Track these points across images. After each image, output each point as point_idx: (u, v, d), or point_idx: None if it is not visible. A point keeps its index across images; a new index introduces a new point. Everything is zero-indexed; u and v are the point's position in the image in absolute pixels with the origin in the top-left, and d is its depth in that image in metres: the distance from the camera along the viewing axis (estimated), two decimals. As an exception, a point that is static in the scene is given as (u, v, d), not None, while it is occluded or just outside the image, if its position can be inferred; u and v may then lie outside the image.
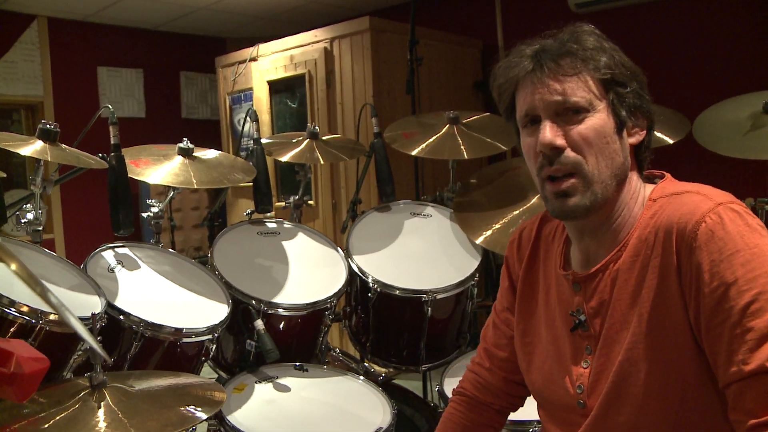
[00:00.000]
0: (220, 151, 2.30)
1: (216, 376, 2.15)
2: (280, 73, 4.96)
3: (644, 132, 1.11)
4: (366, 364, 2.46)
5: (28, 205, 2.01)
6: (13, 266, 0.83)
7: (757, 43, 3.60)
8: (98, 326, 1.57)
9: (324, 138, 2.53)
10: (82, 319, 1.48)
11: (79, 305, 1.58)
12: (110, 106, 1.96)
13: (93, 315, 1.29)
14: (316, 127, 2.50)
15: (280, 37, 4.91)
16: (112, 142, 1.94)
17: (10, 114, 5.74)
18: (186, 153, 2.15)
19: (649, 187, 1.14)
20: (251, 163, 2.29)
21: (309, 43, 4.76)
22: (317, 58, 4.68)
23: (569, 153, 1.07)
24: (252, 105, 5.21)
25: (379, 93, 4.35)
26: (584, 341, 1.15)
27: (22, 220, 1.98)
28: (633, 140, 1.11)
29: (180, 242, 5.73)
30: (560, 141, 1.07)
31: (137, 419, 1.21)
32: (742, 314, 0.94)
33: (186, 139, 2.17)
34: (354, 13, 4.77)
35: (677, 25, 3.93)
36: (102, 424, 1.17)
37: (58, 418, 1.20)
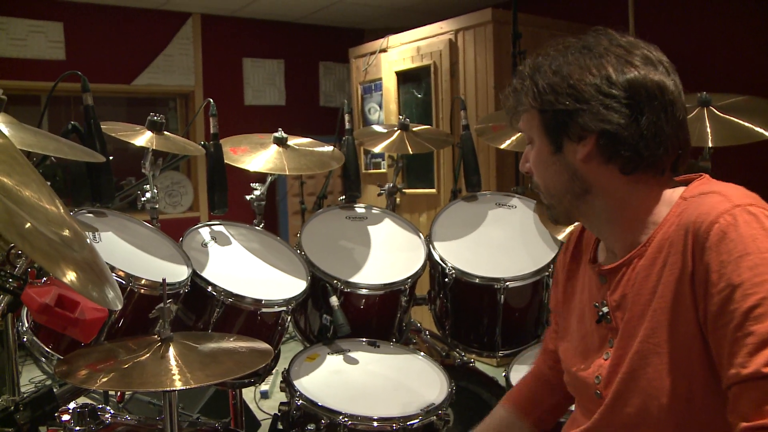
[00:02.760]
0: (311, 139, 2.48)
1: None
2: (408, 64, 5.12)
3: (590, 142, 1.14)
4: (454, 352, 2.56)
5: (146, 186, 2.29)
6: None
7: None
8: (181, 291, 1.81)
9: (414, 129, 2.65)
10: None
11: (169, 273, 1.82)
12: (212, 100, 2.20)
13: (163, 280, 1.50)
14: (407, 119, 2.62)
15: (414, 28, 5.07)
16: (211, 131, 2.17)
17: (167, 102, 6.32)
18: (280, 142, 2.36)
19: (682, 188, 1.17)
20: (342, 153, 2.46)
21: (435, 35, 4.89)
22: (442, 49, 4.80)
23: (534, 176, 1.26)
24: (381, 94, 5.42)
25: (500, 84, 4.40)
26: (608, 333, 1.21)
27: (142, 198, 2.25)
28: (580, 155, 1.15)
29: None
30: (526, 167, 1.27)
31: (191, 368, 1.41)
32: (745, 317, 0.96)
33: (281, 129, 2.38)
34: (479, 4, 4.83)
35: None
36: (166, 368, 1.38)
37: (135, 361, 1.42)
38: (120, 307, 1.11)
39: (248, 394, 3.80)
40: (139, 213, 2.17)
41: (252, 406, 3.53)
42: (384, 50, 5.36)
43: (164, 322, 1.49)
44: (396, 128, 2.65)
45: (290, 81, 6.55)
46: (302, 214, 5.59)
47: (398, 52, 5.21)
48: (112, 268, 1.67)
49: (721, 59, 4.12)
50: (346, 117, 2.52)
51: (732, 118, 2.39)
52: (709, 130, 2.33)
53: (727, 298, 0.98)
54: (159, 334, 1.49)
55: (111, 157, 1.85)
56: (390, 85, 5.30)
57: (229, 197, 2.23)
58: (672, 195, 1.16)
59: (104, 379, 1.35)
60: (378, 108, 5.48)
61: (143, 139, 2.04)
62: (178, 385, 1.31)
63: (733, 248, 0.99)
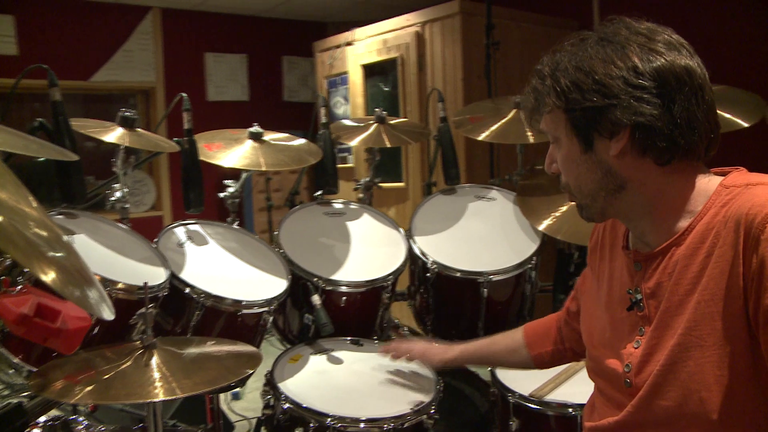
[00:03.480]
0: (288, 134, 2.42)
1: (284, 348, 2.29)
2: (374, 57, 5.06)
3: (624, 136, 1.10)
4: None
5: (117, 185, 2.20)
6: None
7: None
8: (160, 295, 1.74)
9: (391, 122, 2.61)
10: (141, 288, 1.64)
11: (144, 276, 1.74)
12: (185, 95, 2.12)
13: (145, 284, 1.43)
14: (384, 112, 2.58)
15: (379, 21, 5.01)
16: (185, 127, 2.10)
17: (128, 99, 6.16)
18: (256, 137, 2.29)
19: (717, 178, 1.14)
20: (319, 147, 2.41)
21: (401, 27, 4.83)
22: (409, 42, 4.75)
23: (562, 176, 1.22)
24: (347, 88, 5.35)
25: (468, 76, 4.37)
26: (639, 321, 1.18)
27: (111, 199, 2.16)
28: (613, 151, 1.11)
29: (277, 222, 5.98)
30: (553, 168, 1.23)
31: (177, 376, 1.34)
32: None
33: (256, 123, 2.31)
34: (447, -4, 4.80)
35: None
36: (149, 378, 1.31)
37: (113, 372, 1.35)
38: (112, 316, 1.04)
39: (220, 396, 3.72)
40: (107, 213, 2.08)
41: (223, 407, 3.46)
42: (350, 43, 5.29)
43: (146, 328, 1.42)
44: (372, 121, 2.60)
45: (253, 76, 6.44)
46: (269, 211, 5.49)
47: (364, 45, 5.14)
48: (87, 272, 1.58)
49: (702, 48, 4.15)
50: (322, 110, 2.46)
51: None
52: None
53: None
54: (141, 341, 1.42)
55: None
56: (356, 78, 5.24)
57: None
58: (708, 183, 1.13)
59: (84, 392, 1.27)
60: (344, 102, 5.42)
61: (114, 136, 1.95)
62: (165, 396, 1.24)
63: None
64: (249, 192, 6.08)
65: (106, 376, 1.34)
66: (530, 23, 4.59)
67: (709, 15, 3.89)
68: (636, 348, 1.17)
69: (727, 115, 2.37)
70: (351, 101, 5.29)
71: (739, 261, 1.01)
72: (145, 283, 1.43)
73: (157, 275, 1.78)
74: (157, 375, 1.32)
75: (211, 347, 1.53)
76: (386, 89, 5.04)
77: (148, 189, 5.98)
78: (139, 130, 1.99)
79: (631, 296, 1.19)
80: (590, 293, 1.37)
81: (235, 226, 2.28)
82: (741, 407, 1.03)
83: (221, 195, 2.44)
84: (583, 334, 1.37)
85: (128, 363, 1.37)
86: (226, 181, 2.44)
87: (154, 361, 1.39)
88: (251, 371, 1.40)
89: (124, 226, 1.92)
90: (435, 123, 2.64)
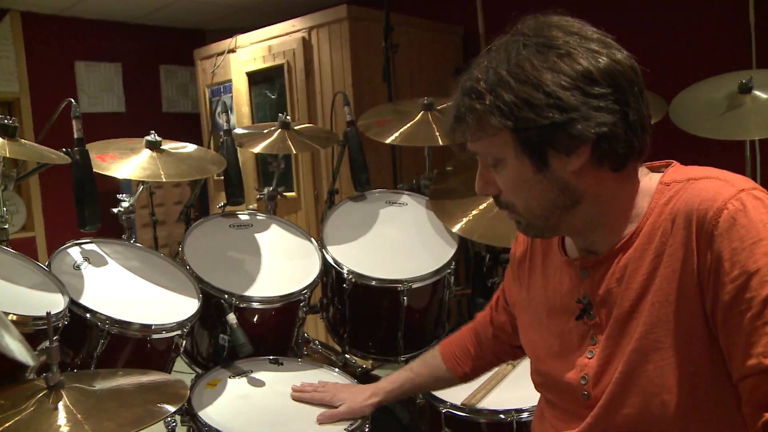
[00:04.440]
0: (189, 144, 2.26)
1: (193, 373, 2.12)
2: (259, 64, 4.91)
3: (585, 151, 1.02)
4: (346, 356, 2.43)
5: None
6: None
7: (735, 23, 3.58)
8: (60, 325, 1.55)
9: (296, 128, 2.50)
10: (37, 318, 1.45)
11: (40, 304, 1.54)
12: (73, 100, 1.93)
13: (48, 314, 1.25)
14: (288, 117, 2.46)
15: (260, 28, 4.86)
16: (75, 136, 1.90)
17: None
18: (154, 146, 2.11)
19: (656, 175, 1.10)
20: (222, 155, 2.26)
21: (287, 33, 4.71)
22: (295, 48, 4.64)
23: (502, 197, 1.12)
24: (231, 97, 5.16)
25: (358, 82, 4.32)
26: (590, 330, 1.13)
27: (-9, 219, 1.93)
28: (572, 167, 1.04)
29: (163, 237, 5.68)
30: (490, 190, 1.13)
31: (95, 419, 1.18)
32: (764, 305, 0.91)
33: (153, 131, 2.13)
34: (332, 1, 4.72)
35: (654, 3, 3.90)
36: (58, 426, 1.14)
37: (12, 421, 1.16)
38: (33, 363, 0.87)
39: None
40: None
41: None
42: (233, 50, 5.11)
43: (52, 365, 1.24)
44: (276, 127, 2.48)
45: (129, 86, 6.09)
46: (154, 227, 5.21)
47: (248, 52, 4.98)
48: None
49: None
50: (223, 116, 2.31)
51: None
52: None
53: (742, 286, 0.92)
54: (46, 380, 1.24)
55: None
56: (241, 86, 5.07)
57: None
58: (649, 183, 1.09)
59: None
60: (229, 111, 5.23)
61: (-7, 148, 1.73)
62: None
63: (745, 234, 0.93)
64: (128, 187, 5.75)
65: (5, 426, 1.15)
66: (418, 28, 4.60)
67: (610, 13, 4.00)
68: (590, 358, 1.12)
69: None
70: (236, 110, 5.11)
71: (693, 258, 0.98)
72: (48, 312, 1.25)
73: (54, 302, 1.58)
74: (68, 420, 1.15)
75: (122, 379, 1.37)
76: (273, 97, 4.91)
77: (17, 209, 5.50)
78: (21, 140, 1.77)
79: (580, 305, 1.14)
80: (524, 306, 1.32)
81: (138, 244, 2.09)
82: (702, 405, 1.00)
83: (115, 210, 2.24)
84: (525, 349, 1.32)
85: (30, 408, 1.19)
86: (119, 195, 2.24)
87: (62, 404, 1.21)
88: (180, 405, 1.24)
89: (8, 249, 1.70)
90: (337, 128, 2.55)
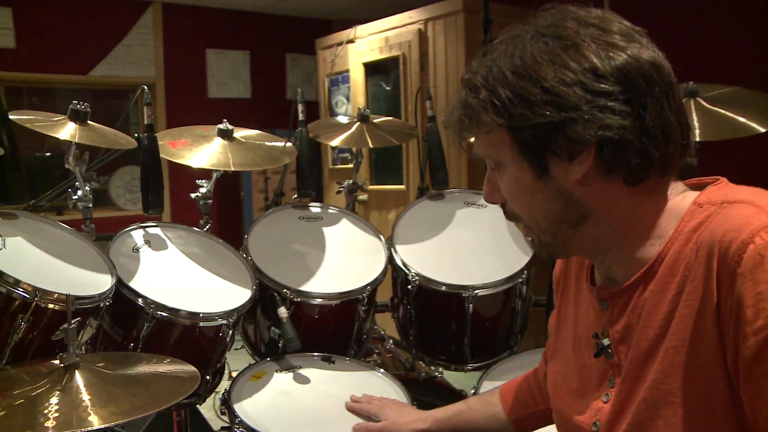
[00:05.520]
0: (260, 132, 2.26)
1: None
2: (376, 55, 4.91)
3: (588, 157, 0.89)
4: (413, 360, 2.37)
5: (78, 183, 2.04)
6: None
7: None
8: (101, 306, 1.58)
9: (375, 121, 2.44)
10: (80, 298, 1.49)
11: (88, 284, 1.58)
12: (146, 87, 1.96)
13: (68, 296, 1.27)
14: (366, 110, 2.41)
15: (382, 18, 4.86)
16: (146, 122, 1.94)
17: (127, 94, 6.04)
18: (225, 134, 2.13)
19: (692, 194, 0.94)
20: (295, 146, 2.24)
21: (404, 25, 4.68)
22: (411, 39, 4.60)
23: (507, 206, 1.03)
24: (348, 87, 5.19)
25: (472, 76, 4.20)
26: (609, 370, 0.99)
27: (74, 197, 2.01)
28: (575, 175, 0.91)
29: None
30: (495, 197, 1.03)
31: (101, 402, 1.18)
32: None
33: (225, 120, 2.15)
34: (451, -7, 4.63)
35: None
36: (57, 406, 1.15)
37: (21, 399, 1.19)
38: None
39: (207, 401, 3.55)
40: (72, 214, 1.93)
41: (210, 414, 3.29)
42: (351, 41, 5.15)
43: (68, 346, 1.26)
44: (355, 120, 2.43)
45: (256, 73, 6.31)
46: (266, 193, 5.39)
47: (366, 43, 5.00)
48: (16, 282, 1.42)
49: (708, 46, 3.93)
50: (300, 107, 2.29)
51: (720, 110, 2.21)
52: (696, 123, 2.14)
53: (766, 340, 0.77)
54: (62, 359, 1.26)
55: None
56: (357, 77, 5.09)
57: (175, 196, 2.00)
58: (682, 201, 0.93)
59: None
60: (345, 101, 5.27)
61: (66, 132, 1.80)
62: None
63: None
64: (249, 192, 5.96)
65: (18, 402, 1.18)
66: (517, 19, 4.40)
67: (713, 10, 3.66)
68: (605, 403, 0.98)
69: (742, 119, 2.18)
70: (352, 100, 5.14)
71: (712, 299, 0.82)
72: (68, 294, 1.27)
73: (100, 283, 1.62)
74: (69, 402, 1.16)
75: (143, 365, 1.37)
76: (388, 88, 4.89)
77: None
78: (91, 123, 1.83)
79: (597, 341, 1.00)
80: (556, 333, 1.18)
81: (204, 229, 2.11)
82: None
83: (193, 195, 2.28)
84: (548, 381, 1.19)
85: (42, 388, 1.21)
86: (198, 181, 2.28)
87: (77, 382, 1.23)
88: (181, 398, 1.23)
89: (69, 228, 1.76)
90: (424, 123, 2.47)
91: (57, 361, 1.28)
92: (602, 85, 0.86)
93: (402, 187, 4.77)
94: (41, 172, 4.98)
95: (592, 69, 0.86)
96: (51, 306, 1.46)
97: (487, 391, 1.51)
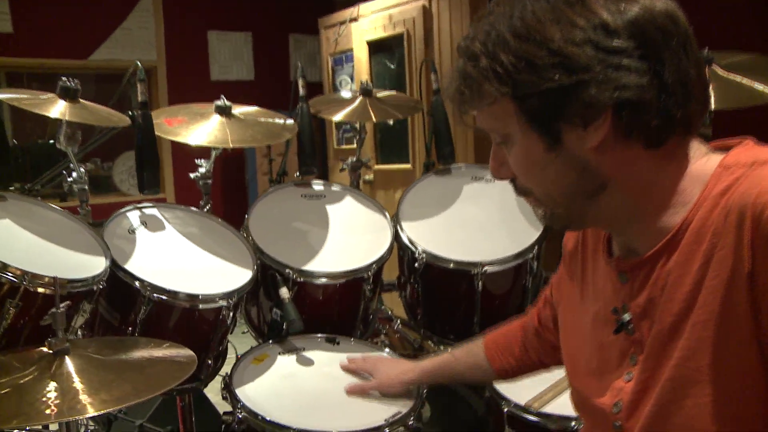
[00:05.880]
0: (260, 108, 2.19)
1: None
2: (379, 33, 4.81)
3: (605, 122, 0.81)
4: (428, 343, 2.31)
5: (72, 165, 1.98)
6: None
7: None
8: (95, 289, 1.52)
9: (379, 95, 2.36)
10: (73, 281, 1.43)
11: (78, 266, 1.52)
12: (139, 63, 1.89)
13: (55, 279, 1.21)
14: (369, 84, 2.33)
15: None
16: (139, 99, 1.87)
17: (130, 78, 5.96)
18: (223, 111, 2.06)
19: (717, 156, 0.86)
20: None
21: (407, 2, 4.57)
22: (415, 16, 4.49)
23: (518, 181, 0.93)
24: (353, 66, 5.11)
25: (478, 51, 4.11)
26: (630, 347, 0.92)
27: (69, 179, 1.95)
28: (591, 142, 0.83)
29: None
30: (503, 173, 0.94)
31: (92, 389, 1.12)
32: None
33: (223, 96, 2.08)
34: (457, -33, 4.52)
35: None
36: (46, 394, 1.09)
37: (11, 386, 1.13)
38: None
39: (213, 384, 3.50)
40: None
41: (217, 398, 3.24)
42: (354, 19, 5.04)
43: (57, 331, 1.20)
44: (358, 94, 2.36)
45: (259, 55, 6.21)
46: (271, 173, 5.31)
47: (369, 21, 4.89)
48: (3, 266, 1.36)
49: (723, 12, 3.79)
50: (300, 82, 2.22)
51: (736, 78, 2.13)
52: (711, 91, 2.06)
53: None
54: (50, 345, 1.20)
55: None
56: (361, 55, 5.00)
57: (179, 179, 1.94)
58: (705, 165, 0.85)
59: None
60: (350, 80, 5.18)
61: (56, 110, 1.73)
62: (48, 420, 1.02)
63: None
64: (253, 174, 5.89)
65: (4, 390, 1.12)
66: None
67: None
68: (627, 382, 0.91)
69: (760, 87, 2.09)
70: (356, 79, 5.05)
71: (744, 269, 0.75)
72: (56, 277, 1.20)
73: (94, 266, 1.55)
74: (55, 391, 1.10)
75: (137, 350, 1.31)
76: (392, 66, 4.80)
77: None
78: (83, 102, 1.77)
79: (617, 316, 0.93)
80: (572, 306, 1.10)
81: (196, 209, 2.05)
82: None
83: (192, 176, 2.22)
84: (564, 358, 1.11)
85: (31, 375, 1.15)
86: (197, 160, 2.22)
87: (68, 369, 1.17)
88: (176, 384, 1.16)
89: (60, 209, 1.69)
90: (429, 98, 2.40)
91: (44, 348, 1.22)
92: (615, 42, 0.78)
93: (408, 165, 4.69)
94: (43, 158, 4.94)
95: (603, 25, 0.78)
96: (41, 290, 1.41)
97: (473, 341, 1.49)
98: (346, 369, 1.73)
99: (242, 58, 6.14)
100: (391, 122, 4.83)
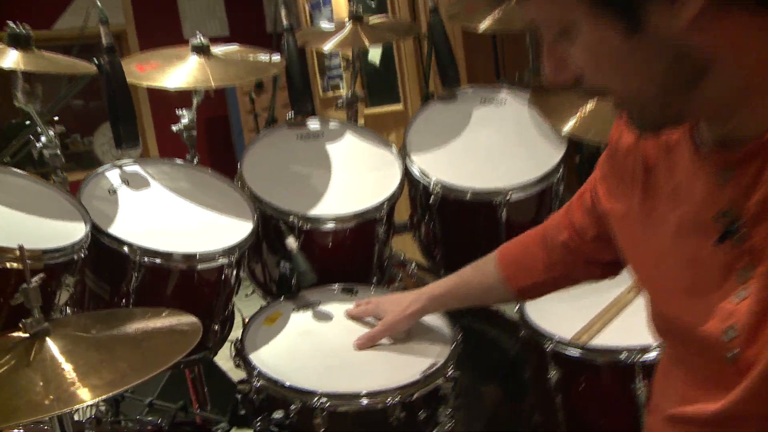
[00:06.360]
0: (239, 45, 1.98)
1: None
2: (356, -34, 4.56)
3: None
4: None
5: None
6: None
7: None
8: (76, 259, 1.33)
9: (371, 22, 2.15)
10: (49, 252, 1.24)
11: (54, 235, 1.33)
12: (99, 2, 1.67)
13: (21, 247, 1.02)
14: (360, 8, 2.12)
15: None
16: (104, 43, 1.66)
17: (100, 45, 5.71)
18: (201, 50, 1.84)
19: None
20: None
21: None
22: (393, -57, 4.23)
23: (588, 80, 0.75)
24: (331, 9, 4.87)
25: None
26: (738, 261, 0.75)
27: (38, 145, 1.74)
28: (685, 17, 0.65)
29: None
30: (563, 75, 0.76)
31: (80, 375, 0.94)
32: None
33: (200, 33, 1.86)
34: None
35: None
36: (26, 384, 0.91)
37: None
38: None
39: (223, 351, 3.33)
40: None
41: (229, 365, 3.08)
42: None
43: (33, 310, 1.01)
44: (347, 21, 2.14)
45: (231, 8, 5.96)
46: (258, 132, 5.12)
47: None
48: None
49: None
50: (282, 11, 2.00)
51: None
52: None
53: None
54: (25, 327, 1.01)
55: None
56: (340, -9, 4.76)
57: (161, 137, 1.74)
58: None
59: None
60: (329, 24, 4.94)
61: (8, 60, 1.51)
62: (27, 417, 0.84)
63: None
64: (236, 114, 5.69)
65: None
66: None
67: None
68: (740, 302, 0.73)
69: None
70: (335, 18, 4.82)
71: None
72: (20, 245, 1.01)
73: (72, 233, 1.36)
74: (38, 380, 0.91)
75: (134, 322, 1.13)
76: (372, 5, 4.56)
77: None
78: (38, 50, 1.55)
79: (723, 222, 0.75)
80: (632, 214, 0.92)
81: (183, 161, 1.86)
82: None
83: (175, 128, 2.01)
84: (638, 279, 0.94)
85: (8, 364, 0.97)
86: (178, 111, 2.01)
87: (46, 355, 0.98)
88: (178, 357, 0.98)
89: (27, 174, 1.49)
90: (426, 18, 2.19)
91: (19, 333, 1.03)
92: None
93: (399, 106, 4.49)
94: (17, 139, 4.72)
95: None
96: (12, 265, 1.21)
97: (483, 260, 1.33)
98: (351, 316, 1.58)
99: (215, 14, 5.89)
100: (377, 62, 4.62)
